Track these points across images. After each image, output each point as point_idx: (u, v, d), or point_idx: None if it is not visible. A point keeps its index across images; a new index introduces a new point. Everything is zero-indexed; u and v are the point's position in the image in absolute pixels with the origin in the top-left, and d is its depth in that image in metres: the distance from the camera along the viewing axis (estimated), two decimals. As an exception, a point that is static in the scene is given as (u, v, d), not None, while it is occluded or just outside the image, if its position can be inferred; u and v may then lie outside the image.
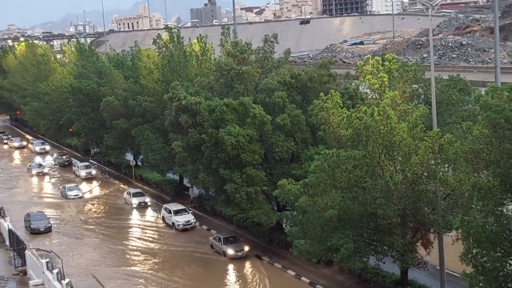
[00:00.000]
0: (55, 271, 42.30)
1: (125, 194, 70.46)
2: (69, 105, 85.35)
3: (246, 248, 50.59)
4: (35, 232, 59.37)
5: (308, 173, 38.70)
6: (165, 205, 62.27)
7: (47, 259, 44.84)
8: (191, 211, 60.58)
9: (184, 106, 50.67)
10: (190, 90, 53.64)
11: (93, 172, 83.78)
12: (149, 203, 67.50)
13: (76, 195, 72.54)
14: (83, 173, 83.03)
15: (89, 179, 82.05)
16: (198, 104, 49.86)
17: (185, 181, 68.86)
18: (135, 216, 65.18)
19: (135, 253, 54.44)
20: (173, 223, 58.96)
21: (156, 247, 55.52)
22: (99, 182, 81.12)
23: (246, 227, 55.65)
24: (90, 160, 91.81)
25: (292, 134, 48.18)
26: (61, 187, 76.49)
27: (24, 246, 50.06)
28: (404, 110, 40.50)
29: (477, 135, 29.50)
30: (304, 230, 38.97)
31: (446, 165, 35.64)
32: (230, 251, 50.24)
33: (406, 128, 36.10)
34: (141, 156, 77.70)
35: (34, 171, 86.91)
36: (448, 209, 35.70)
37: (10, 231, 54.08)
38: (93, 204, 70.88)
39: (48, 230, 59.85)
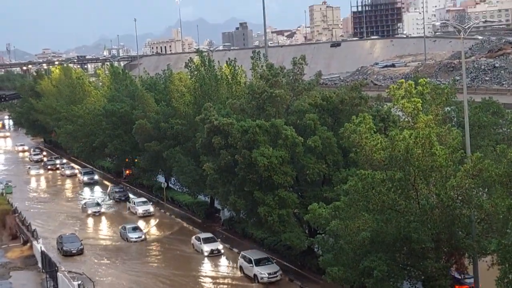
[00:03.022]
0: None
1: (193, 240, 60.54)
2: (102, 128, 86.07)
3: None
4: (67, 254, 59.49)
5: (339, 195, 38.46)
6: (243, 253, 53.52)
7: (79, 282, 44.96)
8: (274, 260, 52.15)
9: (216, 128, 50.88)
10: (221, 112, 54.00)
11: (151, 209, 74.33)
12: (222, 251, 58.07)
13: (139, 237, 63.57)
14: (140, 210, 73.62)
15: (146, 216, 73.15)
16: (230, 126, 50.03)
17: (216, 203, 68.94)
18: (206, 265, 56.01)
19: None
20: (255, 275, 50.07)
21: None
22: (157, 220, 72.46)
23: (277, 250, 55.33)
24: (123, 182, 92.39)
25: (324, 156, 47.98)
26: (120, 227, 67.07)
27: (56, 268, 50.27)
28: (437, 133, 40.10)
29: (512, 158, 29.12)
30: (336, 256, 38.70)
31: (481, 188, 35.14)
32: None
33: (447, 153, 35.71)
34: (172, 178, 78.13)
35: (90, 211, 75.97)
36: (483, 234, 35.08)
37: (42, 253, 54.48)
38: (157, 249, 62.13)
39: (80, 252, 59.97)
